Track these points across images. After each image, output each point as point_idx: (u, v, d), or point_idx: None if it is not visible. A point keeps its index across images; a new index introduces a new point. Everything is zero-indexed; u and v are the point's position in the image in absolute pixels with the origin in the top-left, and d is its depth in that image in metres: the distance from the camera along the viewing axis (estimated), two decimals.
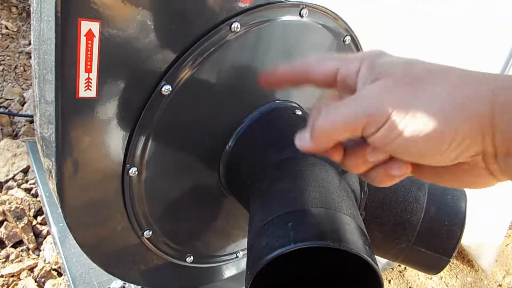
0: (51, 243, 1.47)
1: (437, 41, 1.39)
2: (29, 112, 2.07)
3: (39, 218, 1.57)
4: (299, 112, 0.89)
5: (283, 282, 0.75)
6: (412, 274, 1.88)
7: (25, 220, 1.51)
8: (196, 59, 0.72)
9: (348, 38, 0.94)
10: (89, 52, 0.59)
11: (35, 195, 1.66)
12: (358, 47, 0.99)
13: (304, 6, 0.82)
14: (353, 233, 0.63)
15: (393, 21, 1.20)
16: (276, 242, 0.58)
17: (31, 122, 2.05)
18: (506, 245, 2.20)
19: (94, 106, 0.66)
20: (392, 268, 1.89)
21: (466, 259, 2.05)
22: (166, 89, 0.71)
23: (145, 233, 0.87)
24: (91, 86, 0.62)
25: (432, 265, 0.83)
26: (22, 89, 2.29)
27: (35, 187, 1.68)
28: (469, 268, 2.02)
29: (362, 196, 0.79)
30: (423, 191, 0.82)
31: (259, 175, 0.80)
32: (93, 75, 0.61)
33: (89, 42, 0.59)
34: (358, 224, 0.67)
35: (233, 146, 0.87)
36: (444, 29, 1.37)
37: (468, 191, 0.85)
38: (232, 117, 0.86)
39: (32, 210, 1.58)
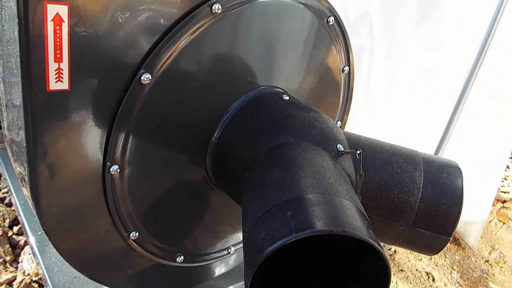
0: (29, 253, 1.39)
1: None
2: None
3: (15, 228, 1.49)
4: (286, 97, 0.85)
5: (281, 272, 0.71)
6: (403, 256, 1.88)
7: (0, 231, 1.42)
8: (176, 44, 0.67)
9: (332, 19, 0.91)
10: (58, 40, 0.53)
11: (9, 204, 1.57)
12: (342, 29, 0.95)
13: None
14: (355, 217, 0.60)
15: None
16: (277, 233, 0.54)
17: None
18: (490, 222, 2.23)
19: (67, 100, 0.60)
20: None
21: (454, 238, 2.07)
22: (146, 77, 0.65)
23: (131, 234, 0.81)
24: (62, 77, 0.56)
25: (432, 245, 0.82)
26: None
27: (9, 196, 1.59)
28: (456, 246, 2.04)
29: (358, 179, 0.76)
30: (419, 170, 0.79)
31: (249, 164, 0.76)
32: (64, 65, 0.56)
33: (57, 28, 0.53)
34: (359, 208, 0.64)
35: (219, 136, 0.83)
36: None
37: None
38: (216, 105, 0.81)
39: (7, 221, 1.50)
